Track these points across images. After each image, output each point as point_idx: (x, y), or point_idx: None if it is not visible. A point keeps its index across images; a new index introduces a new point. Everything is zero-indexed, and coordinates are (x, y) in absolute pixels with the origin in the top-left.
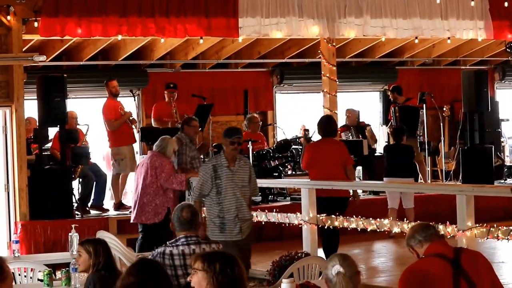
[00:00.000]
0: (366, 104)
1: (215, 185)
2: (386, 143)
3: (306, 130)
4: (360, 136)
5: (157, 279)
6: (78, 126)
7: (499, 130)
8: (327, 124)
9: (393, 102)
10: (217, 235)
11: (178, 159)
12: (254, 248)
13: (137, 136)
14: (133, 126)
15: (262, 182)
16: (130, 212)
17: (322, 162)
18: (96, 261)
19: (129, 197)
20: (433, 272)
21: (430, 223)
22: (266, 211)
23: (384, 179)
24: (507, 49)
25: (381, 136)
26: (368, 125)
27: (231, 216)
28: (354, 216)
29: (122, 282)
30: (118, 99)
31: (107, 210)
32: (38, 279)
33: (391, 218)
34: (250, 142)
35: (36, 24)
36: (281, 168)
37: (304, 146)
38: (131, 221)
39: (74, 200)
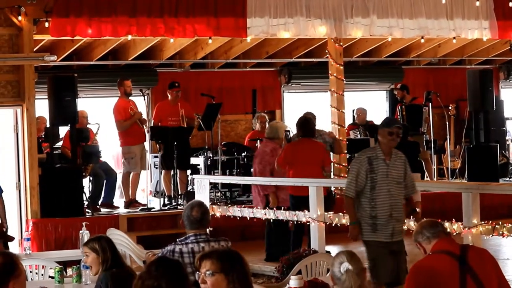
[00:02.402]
0: (373, 103)
1: (369, 179)
2: None
3: (287, 131)
4: (368, 135)
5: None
6: (88, 125)
7: (504, 128)
8: (305, 124)
9: (400, 101)
10: (368, 235)
11: None
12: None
13: (147, 135)
14: (143, 126)
15: (271, 181)
16: (141, 209)
17: (302, 161)
18: (105, 257)
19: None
20: (440, 269)
21: (438, 221)
22: (274, 208)
23: None
24: None
25: None
26: None
27: (384, 215)
28: None
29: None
30: (131, 98)
31: (118, 207)
32: (49, 276)
33: None
34: (258, 141)
35: (47, 24)
36: None
37: (284, 145)
38: None
39: (84, 198)
